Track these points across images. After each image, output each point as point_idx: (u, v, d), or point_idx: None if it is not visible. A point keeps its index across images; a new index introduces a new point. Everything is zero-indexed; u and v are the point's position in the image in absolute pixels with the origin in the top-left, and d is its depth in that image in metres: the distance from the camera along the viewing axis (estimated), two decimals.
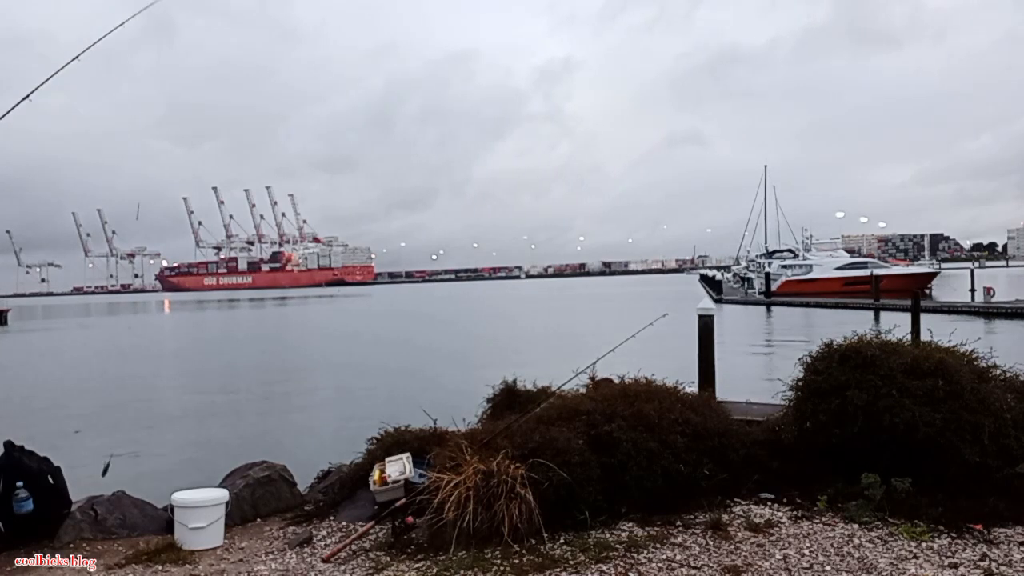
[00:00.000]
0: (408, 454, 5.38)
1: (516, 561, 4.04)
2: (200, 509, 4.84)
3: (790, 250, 60.62)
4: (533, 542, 4.25)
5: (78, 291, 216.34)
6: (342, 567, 4.28)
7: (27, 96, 4.92)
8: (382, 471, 5.23)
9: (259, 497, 5.51)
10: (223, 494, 5.10)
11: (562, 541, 4.28)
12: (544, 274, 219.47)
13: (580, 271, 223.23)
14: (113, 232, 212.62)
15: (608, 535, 4.35)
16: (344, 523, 5.14)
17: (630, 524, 4.53)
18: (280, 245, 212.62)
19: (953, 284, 48.79)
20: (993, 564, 3.77)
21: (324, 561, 4.41)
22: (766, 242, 69.03)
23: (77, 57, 5.17)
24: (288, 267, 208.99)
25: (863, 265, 51.30)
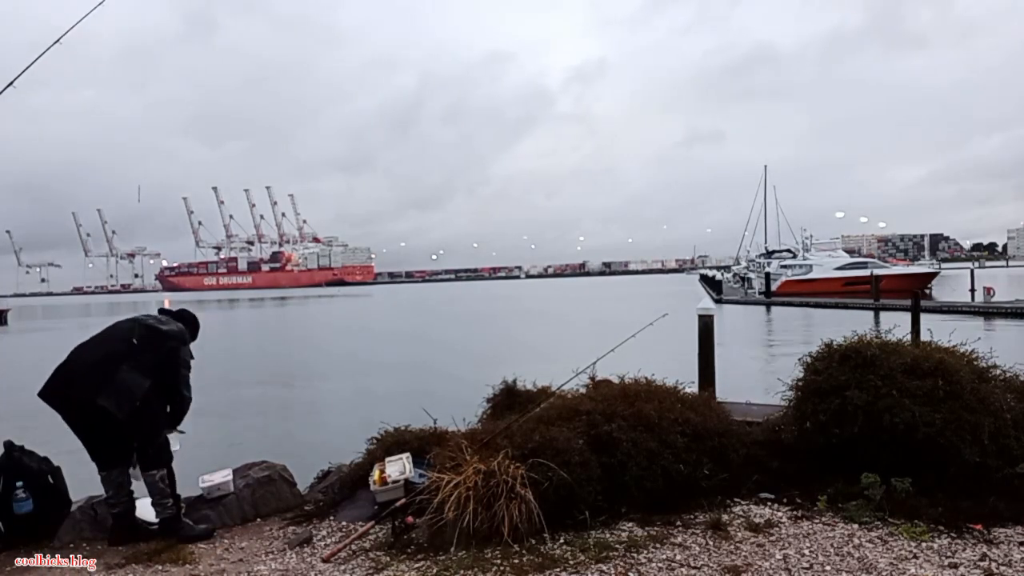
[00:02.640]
0: (408, 454, 5.37)
1: (516, 561, 4.03)
2: None
3: (789, 250, 60.77)
4: (533, 542, 4.24)
5: (78, 291, 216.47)
6: (342, 567, 4.28)
7: (11, 83, 4.91)
8: (382, 471, 5.23)
9: (259, 497, 5.51)
10: None
11: (562, 541, 4.28)
12: (544, 274, 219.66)
13: (580, 271, 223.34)
14: (113, 232, 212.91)
15: (608, 535, 4.35)
16: (344, 523, 5.13)
17: (630, 524, 4.53)
18: (280, 245, 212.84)
19: (953, 284, 48.84)
20: (993, 564, 3.77)
21: (324, 561, 4.41)
22: (766, 242, 69.17)
23: (59, 40, 5.18)
24: (288, 267, 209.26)
25: (863, 265, 51.37)
